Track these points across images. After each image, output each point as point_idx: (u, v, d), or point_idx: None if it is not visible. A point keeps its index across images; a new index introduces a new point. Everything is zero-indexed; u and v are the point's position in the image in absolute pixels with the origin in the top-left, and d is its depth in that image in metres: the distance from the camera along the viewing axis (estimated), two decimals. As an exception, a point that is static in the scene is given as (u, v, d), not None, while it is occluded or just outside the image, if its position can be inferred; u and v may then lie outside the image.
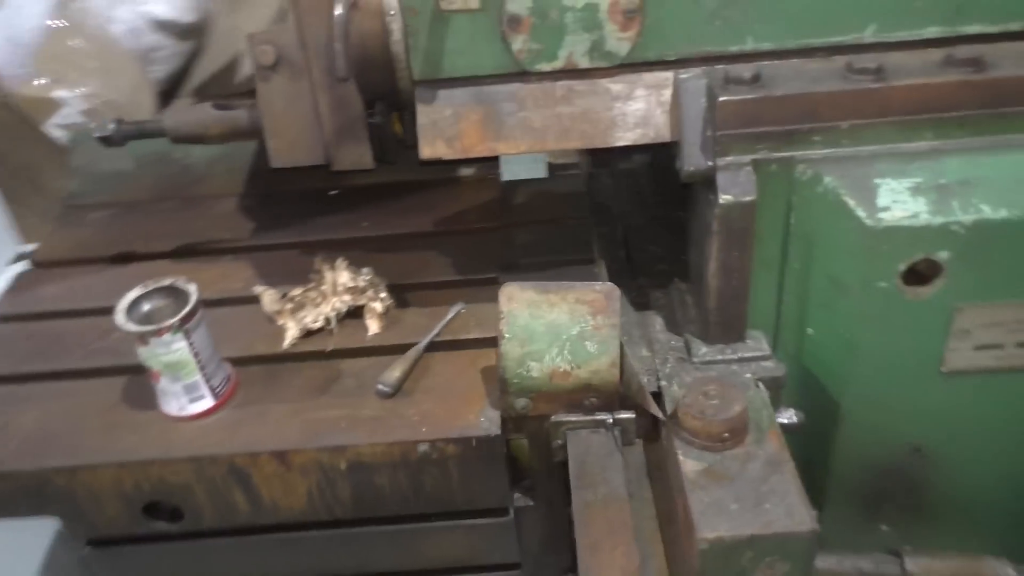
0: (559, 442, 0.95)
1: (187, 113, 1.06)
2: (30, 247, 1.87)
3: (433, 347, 1.04)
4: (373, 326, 1.07)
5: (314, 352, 1.05)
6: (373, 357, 1.04)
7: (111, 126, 1.05)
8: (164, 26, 2.45)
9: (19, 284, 1.22)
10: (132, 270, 1.23)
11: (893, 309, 0.88)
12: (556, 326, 0.89)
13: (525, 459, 1.00)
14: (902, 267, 0.85)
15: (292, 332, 1.06)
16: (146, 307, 0.95)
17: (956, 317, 0.89)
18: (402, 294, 1.12)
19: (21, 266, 1.34)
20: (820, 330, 0.94)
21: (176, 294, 0.96)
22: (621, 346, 0.89)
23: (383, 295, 1.08)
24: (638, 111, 0.90)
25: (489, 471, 0.96)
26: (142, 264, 1.24)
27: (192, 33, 2.58)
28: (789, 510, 0.76)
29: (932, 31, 0.85)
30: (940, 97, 0.83)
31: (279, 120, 0.98)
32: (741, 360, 0.93)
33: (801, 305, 0.94)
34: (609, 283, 0.89)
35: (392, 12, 0.88)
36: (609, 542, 0.82)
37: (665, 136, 0.90)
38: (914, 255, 0.84)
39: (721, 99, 0.83)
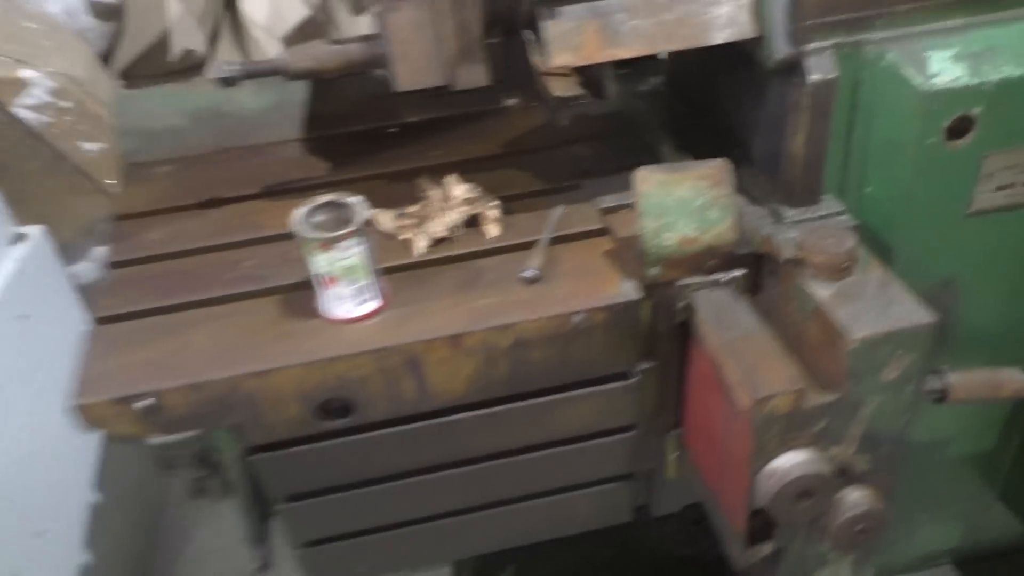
0: (682, 304, 1.12)
1: (304, 52, 1.13)
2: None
3: (552, 242, 1.18)
4: (493, 230, 1.19)
5: (445, 257, 1.17)
6: (501, 256, 1.17)
7: (231, 67, 1.11)
8: (91, 6, 2.42)
9: (115, 235, 1.25)
10: (228, 211, 1.29)
11: (937, 161, 1.10)
12: (683, 200, 1.05)
13: (643, 326, 1.16)
14: (946, 124, 1.07)
15: (421, 242, 1.17)
16: (315, 220, 1.03)
17: (983, 164, 1.12)
18: (503, 204, 1.24)
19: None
20: (877, 187, 1.15)
21: (336, 208, 1.05)
22: (737, 209, 1.06)
23: (494, 203, 1.21)
24: (726, 13, 1.07)
25: (628, 336, 1.12)
26: (235, 206, 1.30)
27: (114, 14, 2.55)
28: (912, 311, 0.96)
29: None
30: (969, -17, 1.05)
31: (406, 46, 1.08)
32: (823, 217, 1.13)
33: (862, 168, 1.15)
34: (721, 159, 1.06)
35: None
36: (764, 363, 0.99)
37: (748, 32, 1.08)
38: (956, 112, 1.06)
39: (810, -8, 1.01)
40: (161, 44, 2.69)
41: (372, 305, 1.07)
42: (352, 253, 1.01)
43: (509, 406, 1.15)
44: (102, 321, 1.10)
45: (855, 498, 1.05)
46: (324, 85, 1.44)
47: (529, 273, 1.11)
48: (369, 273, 1.04)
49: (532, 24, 1.07)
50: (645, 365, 1.18)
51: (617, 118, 1.47)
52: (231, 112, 1.43)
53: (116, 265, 1.20)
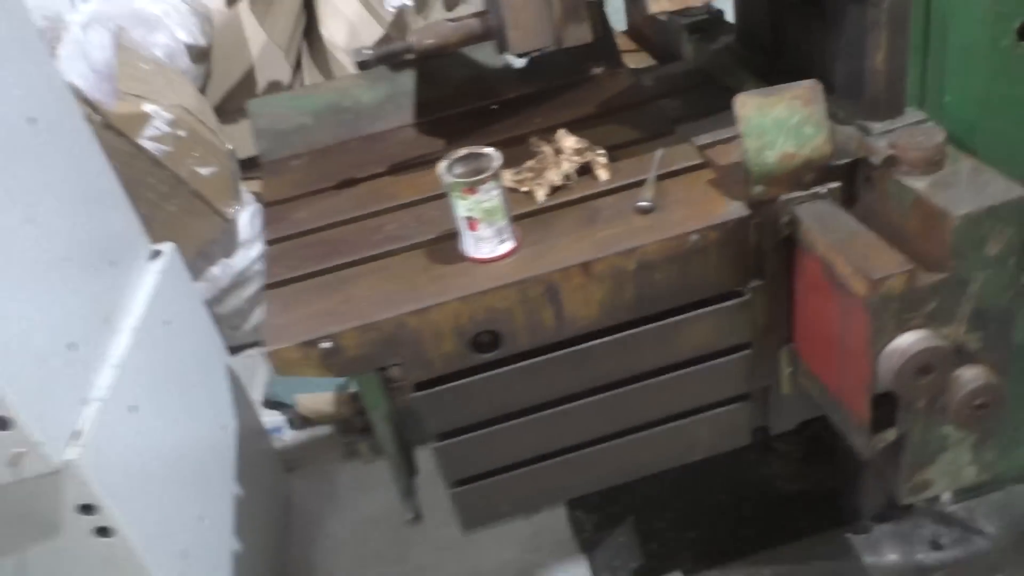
0: (785, 219, 1.23)
1: (428, 30, 1.28)
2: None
3: (658, 179, 1.30)
4: (603, 174, 1.32)
5: (564, 202, 1.30)
6: (614, 195, 1.29)
7: (367, 52, 1.26)
8: (188, 50, 2.64)
9: (268, 218, 1.42)
10: (362, 189, 1.44)
11: (1012, 62, 1.19)
12: (780, 119, 1.16)
13: (751, 244, 1.27)
14: (1016, 24, 1.17)
15: (542, 190, 1.30)
16: (456, 171, 1.17)
17: (1050, 61, 1.21)
18: (608, 153, 1.37)
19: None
20: (955, 95, 1.25)
21: (473, 159, 1.18)
22: (830, 123, 1.17)
23: (601, 151, 1.34)
24: (800, -48, 1.19)
25: (739, 253, 1.23)
26: (368, 183, 1.45)
27: (204, 57, 2.77)
28: (1007, 188, 1.06)
29: None
30: None
31: (518, 13, 1.22)
32: (909, 126, 1.23)
33: (940, 77, 1.24)
34: (811, 79, 1.17)
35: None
36: (874, 252, 1.09)
37: (823, -35, 1.19)
38: (1020, 14, 1.16)
39: (880, -83, 1.12)
40: (248, 79, 2.90)
41: (509, 245, 1.20)
42: (492, 196, 1.15)
43: (638, 329, 1.27)
44: (272, 286, 1.26)
45: (972, 374, 1.13)
46: (428, 73, 1.59)
47: (644, 203, 1.23)
48: (505, 215, 1.18)
49: (627, -20, 1.21)
50: (755, 283, 1.28)
51: (696, 74, 1.59)
52: (349, 107, 1.59)
53: (272, 242, 1.36)
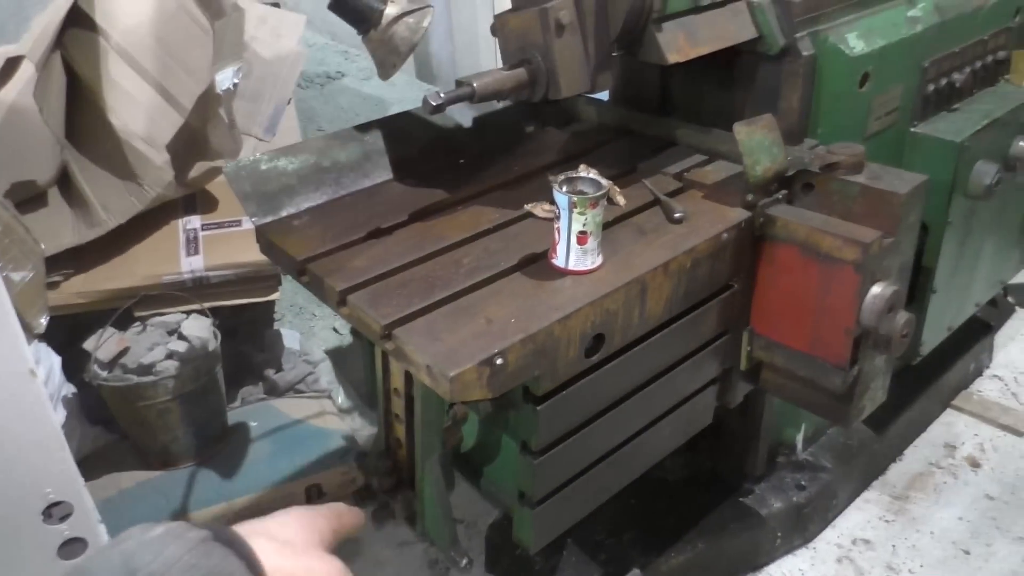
0: (760, 220, 1.60)
1: (486, 77, 1.40)
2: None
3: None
4: (621, 200, 1.56)
5: (608, 222, 1.49)
6: (641, 214, 1.54)
7: (441, 96, 1.34)
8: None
9: (324, 271, 1.36)
10: (400, 235, 1.47)
11: (855, 104, 1.75)
12: (761, 141, 1.54)
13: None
14: (859, 77, 1.73)
15: (585, 216, 1.49)
16: (568, 191, 1.31)
17: (872, 103, 1.80)
18: (611, 184, 1.61)
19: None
20: (825, 127, 1.76)
21: (570, 182, 1.33)
22: (784, 145, 1.59)
23: (610, 182, 1.58)
24: (742, 22, 1.61)
25: (744, 248, 1.56)
26: (402, 230, 1.48)
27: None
28: (914, 176, 1.55)
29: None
30: (851, -6, 1.72)
31: (565, 63, 1.41)
32: (811, 148, 1.70)
33: (817, 115, 1.75)
34: (768, 114, 1.57)
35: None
36: (849, 229, 1.51)
37: (753, 34, 1.62)
38: (864, 69, 1.72)
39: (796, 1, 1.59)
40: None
41: (601, 258, 1.37)
42: (601, 211, 1.32)
43: (685, 319, 1.51)
44: (392, 326, 1.24)
45: (900, 313, 1.61)
46: (395, 133, 1.67)
47: (679, 214, 1.50)
48: (602, 230, 1.35)
49: (641, 36, 1.50)
50: (738, 276, 1.62)
51: (608, 128, 1.92)
52: (329, 167, 1.58)
53: (351, 290, 1.32)
